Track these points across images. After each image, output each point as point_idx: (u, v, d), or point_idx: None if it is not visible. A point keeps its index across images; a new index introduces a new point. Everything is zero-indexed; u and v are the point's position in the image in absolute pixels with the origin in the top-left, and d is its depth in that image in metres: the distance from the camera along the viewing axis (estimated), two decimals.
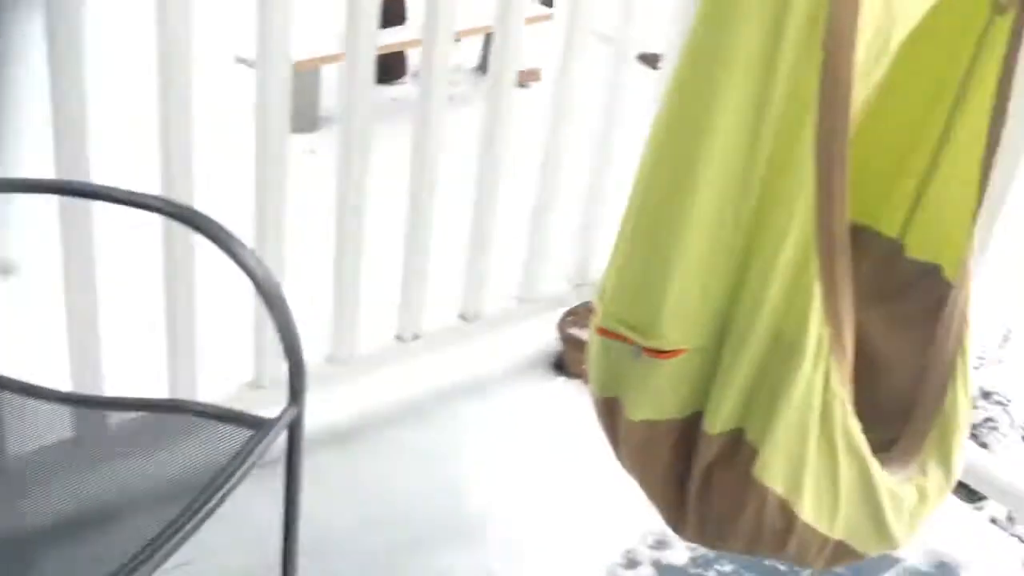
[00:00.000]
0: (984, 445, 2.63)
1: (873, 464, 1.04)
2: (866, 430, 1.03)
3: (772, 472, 0.99)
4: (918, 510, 1.13)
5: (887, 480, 1.07)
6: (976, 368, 2.93)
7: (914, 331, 1.17)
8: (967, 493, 2.25)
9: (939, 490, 1.15)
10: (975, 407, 2.83)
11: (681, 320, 0.96)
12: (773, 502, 1.01)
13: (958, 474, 1.20)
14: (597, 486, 1.55)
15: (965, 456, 1.40)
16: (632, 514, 1.20)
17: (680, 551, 1.65)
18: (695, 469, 1.04)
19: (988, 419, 2.75)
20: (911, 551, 1.74)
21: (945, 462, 1.16)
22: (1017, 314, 3.12)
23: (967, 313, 1.13)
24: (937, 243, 1.18)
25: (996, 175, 1.11)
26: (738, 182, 0.92)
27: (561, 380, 1.99)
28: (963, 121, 1.14)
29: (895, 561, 1.70)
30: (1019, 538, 2.22)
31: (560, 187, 1.87)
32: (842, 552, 1.11)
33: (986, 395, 2.74)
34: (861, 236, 1.23)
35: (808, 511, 1.03)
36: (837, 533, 1.07)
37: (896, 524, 1.10)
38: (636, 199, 0.98)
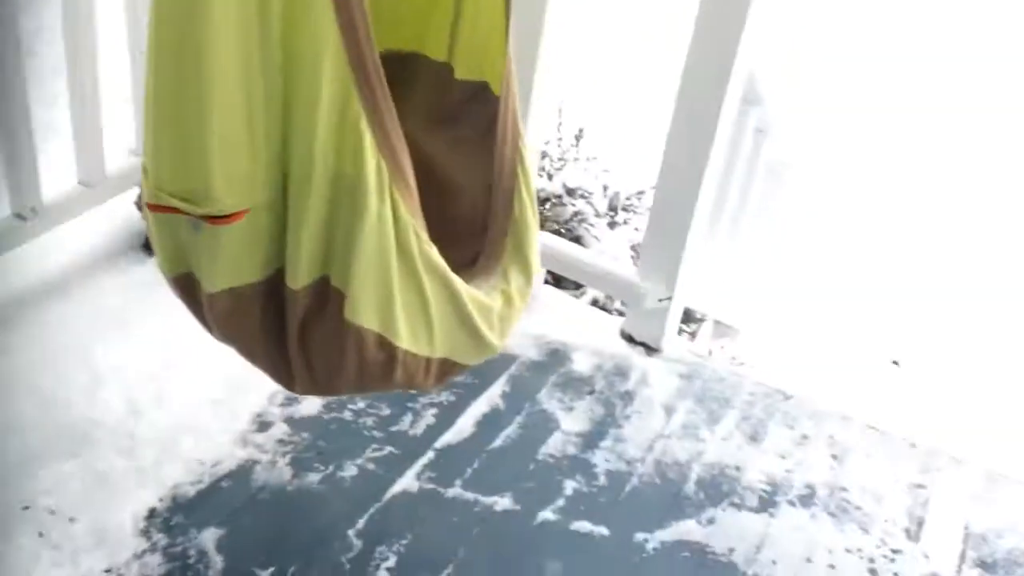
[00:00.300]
0: (577, 239, 2.90)
1: (456, 282, 1.09)
2: (447, 251, 1.06)
3: (363, 311, 1.00)
4: (506, 313, 1.21)
5: (473, 293, 1.13)
6: (559, 169, 3.21)
7: (476, 150, 1.20)
8: (568, 284, 2.50)
9: (522, 292, 1.23)
10: (563, 205, 3.10)
11: (232, 180, 0.90)
12: (371, 339, 1.03)
13: (537, 272, 1.30)
14: (211, 361, 1.49)
15: (550, 253, 1.55)
16: (255, 378, 1.16)
17: (311, 402, 1.66)
18: (289, 326, 1.02)
19: (576, 214, 3.01)
20: (526, 345, 1.91)
21: (524, 266, 1.24)
22: (588, 113, 3.42)
23: (518, 124, 1.19)
24: (480, 61, 1.20)
25: None
26: (256, 23, 0.86)
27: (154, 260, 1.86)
28: None
29: (513, 359, 1.86)
30: (617, 312, 2.53)
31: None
32: (448, 367, 1.17)
33: (570, 192, 2.99)
34: (412, 63, 1.23)
35: (405, 339, 1.06)
36: (438, 352, 1.12)
37: (489, 331, 1.17)
38: (151, 59, 0.88)
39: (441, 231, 1.06)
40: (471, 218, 1.21)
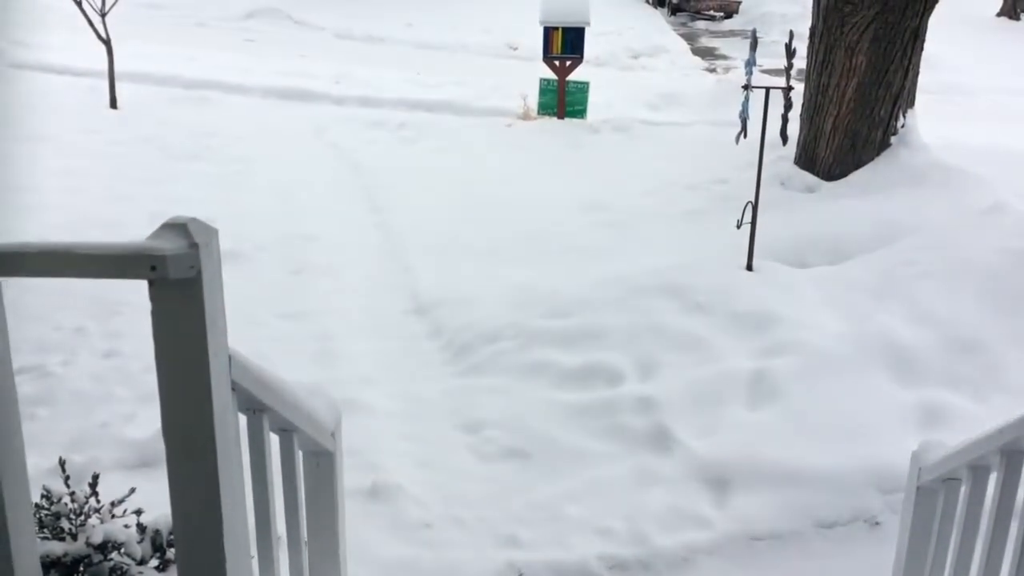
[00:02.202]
0: None
1: None
2: None
3: None
4: None
5: None
6: (81, 525, 2.65)
7: None
8: None
9: None
10: (96, 564, 2.55)
11: None
12: None
13: None
14: None
15: None
16: None
17: None
18: None
19: (114, 570, 2.50)
20: None
21: None
22: None
23: None
24: None
25: None
26: None
27: None
28: None
29: None
30: None
31: None
32: None
33: (100, 548, 2.48)
34: None
35: None
36: None
37: None
38: None
39: None
40: None
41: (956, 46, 14.93)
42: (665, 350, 4.06)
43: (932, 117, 7.56)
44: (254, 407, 1.89)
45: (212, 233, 1.58)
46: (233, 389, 1.72)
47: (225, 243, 1.67)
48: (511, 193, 6.90)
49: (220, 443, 1.56)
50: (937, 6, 6.46)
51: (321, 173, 7.52)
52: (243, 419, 1.88)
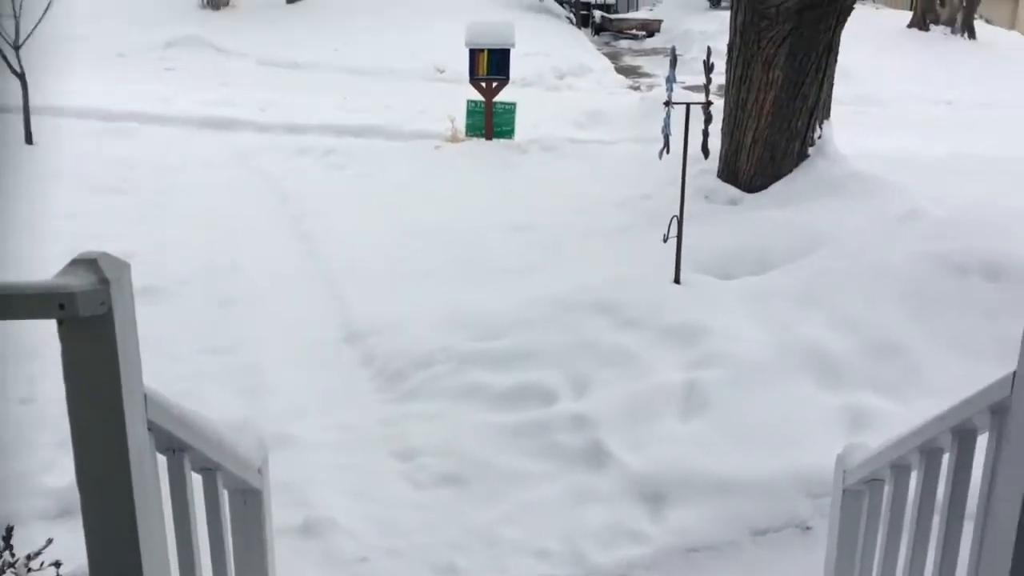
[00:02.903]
0: None
1: None
2: None
3: None
4: None
5: None
6: None
7: None
8: None
9: None
10: None
11: None
12: None
13: None
14: None
15: None
16: None
17: None
18: None
19: None
20: None
21: None
22: None
23: None
24: None
25: None
26: None
27: None
28: None
29: None
30: None
31: None
32: None
33: None
34: None
35: None
36: None
37: None
38: None
39: None
40: None
41: (869, 58, 15.44)
42: (598, 366, 4.09)
43: (848, 127, 7.79)
44: (174, 447, 1.84)
45: (124, 268, 1.55)
46: (150, 429, 1.67)
47: (145, 278, 1.63)
48: (441, 216, 6.89)
49: (137, 486, 1.52)
50: (850, 19, 6.67)
51: (247, 202, 7.42)
52: (163, 459, 1.83)
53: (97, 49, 14.61)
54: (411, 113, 11.21)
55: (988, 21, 23.99)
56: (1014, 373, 1.78)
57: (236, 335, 4.84)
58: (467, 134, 9.73)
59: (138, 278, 1.81)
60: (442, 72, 15.86)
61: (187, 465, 1.91)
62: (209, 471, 2.03)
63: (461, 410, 3.94)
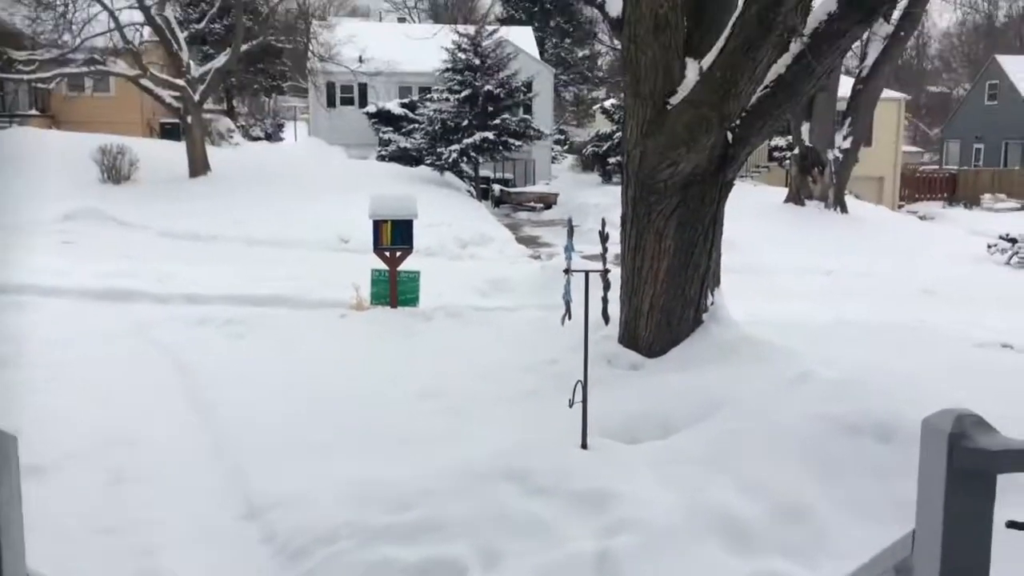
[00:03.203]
0: None
1: None
2: None
3: None
4: None
5: None
6: None
7: None
8: None
9: None
10: None
11: None
12: None
13: None
14: None
15: None
16: None
17: None
18: None
19: None
20: None
21: None
22: None
23: None
24: None
25: None
26: None
27: None
28: None
29: None
30: None
31: None
32: None
33: None
34: None
35: None
36: None
37: None
38: None
39: None
40: None
41: (752, 230, 16.41)
42: (508, 537, 4.01)
43: (736, 294, 8.17)
44: None
45: (11, 441, 1.49)
46: None
47: (32, 454, 1.56)
48: (346, 385, 6.82)
49: None
50: (734, 194, 7.13)
51: (142, 374, 7.20)
52: None
53: None
54: (315, 282, 11.25)
55: (857, 196, 25.98)
56: (913, 532, 1.84)
57: (129, 514, 4.58)
58: (372, 302, 9.79)
59: (25, 454, 1.71)
60: (346, 242, 16.09)
61: None
62: None
63: None
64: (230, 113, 34.09)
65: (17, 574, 1.47)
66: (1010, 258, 18.78)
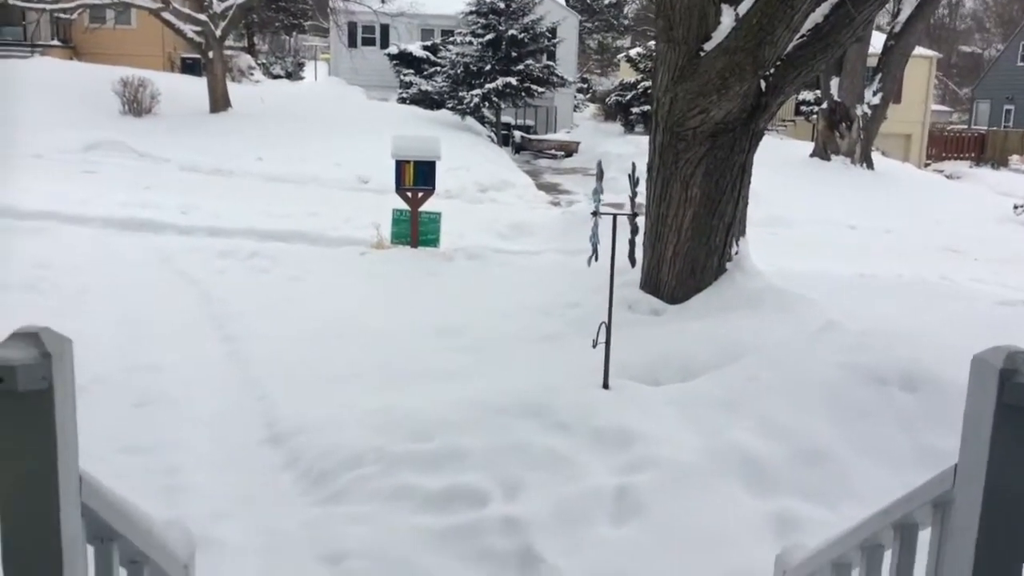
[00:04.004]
0: None
1: None
2: None
3: None
4: None
5: None
6: None
7: None
8: None
9: None
10: None
11: None
12: None
13: None
14: None
15: None
16: None
17: None
18: None
19: None
20: None
21: None
22: None
23: None
24: None
25: None
26: None
27: None
28: None
29: None
30: None
31: None
32: None
33: None
34: None
35: None
36: None
37: None
38: None
39: None
40: None
41: (778, 183, 16.24)
42: (529, 469, 4.04)
43: (761, 246, 8.11)
44: (103, 535, 1.74)
45: (66, 343, 1.50)
46: (83, 514, 1.59)
47: None
48: (367, 320, 6.84)
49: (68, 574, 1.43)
50: (760, 148, 7.03)
51: (168, 302, 7.25)
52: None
53: (10, 151, 14.36)
54: (336, 220, 11.25)
55: (884, 153, 25.63)
56: (955, 466, 1.83)
57: (155, 436, 4.64)
58: (392, 242, 9.79)
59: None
60: (366, 183, 16.04)
61: (116, 557, 1.81)
62: (136, 564, 1.92)
63: (390, 513, 3.82)
64: (251, 50, 33.85)
65: (70, 471, 1.49)
66: None
